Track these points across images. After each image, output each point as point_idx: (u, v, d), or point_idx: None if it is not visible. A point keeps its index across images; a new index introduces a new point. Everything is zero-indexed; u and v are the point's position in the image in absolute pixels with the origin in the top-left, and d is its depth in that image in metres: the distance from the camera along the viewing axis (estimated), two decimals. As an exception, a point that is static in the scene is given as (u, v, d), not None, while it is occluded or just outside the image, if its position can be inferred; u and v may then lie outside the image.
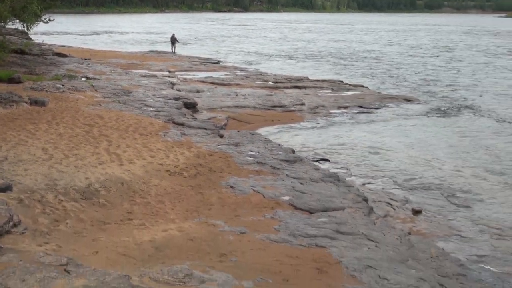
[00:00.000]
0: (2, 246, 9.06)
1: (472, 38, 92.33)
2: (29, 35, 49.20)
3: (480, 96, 33.80)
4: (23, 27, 37.54)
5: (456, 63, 52.85)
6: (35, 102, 21.26)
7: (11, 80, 25.64)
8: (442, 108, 29.64)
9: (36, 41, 49.72)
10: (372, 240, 11.60)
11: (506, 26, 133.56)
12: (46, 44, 51.62)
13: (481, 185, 17.08)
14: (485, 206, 15.29)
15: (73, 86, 26.43)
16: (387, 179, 17.55)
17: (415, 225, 13.67)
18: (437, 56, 59.59)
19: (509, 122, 26.25)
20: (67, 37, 76.22)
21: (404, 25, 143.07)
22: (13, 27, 41.80)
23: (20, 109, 20.11)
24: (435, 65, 51.11)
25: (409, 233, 12.71)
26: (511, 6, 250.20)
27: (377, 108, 29.21)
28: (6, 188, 11.91)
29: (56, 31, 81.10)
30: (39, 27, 39.58)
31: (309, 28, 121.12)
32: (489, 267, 11.51)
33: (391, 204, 15.02)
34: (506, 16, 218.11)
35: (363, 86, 36.28)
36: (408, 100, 31.84)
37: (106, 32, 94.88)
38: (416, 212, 14.55)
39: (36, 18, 35.66)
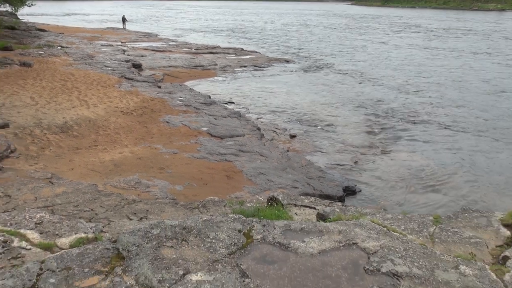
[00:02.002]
0: (3, 166, 8.90)
1: (324, 18, 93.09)
2: (17, 16, 46.16)
3: (331, 57, 34.46)
4: (12, 9, 35.82)
5: (313, 35, 53.27)
6: (23, 64, 20.70)
7: (5, 48, 24.72)
8: (310, 66, 30.00)
9: (23, 20, 47.46)
10: (263, 156, 11.85)
11: (349, 11, 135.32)
12: (30, 22, 48.80)
13: (334, 116, 17.62)
14: (337, 130, 15.83)
15: (51, 53, 25.39)
16: (273, 115, 17.79)
17: (291, 145, 14.01)
18: (301, 31, 59.88)
19: (348, 75, 27.00)
20: (46, 17, 71.52)
21: (280, 10, 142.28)
22: (4, 9, 39.47)
23: (12, 69, 19.49)
24: (300, 37, 51.40)
25: (287, 151, 13.06)
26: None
27: (266, 67, 29.24)
28: (4, 126, 11.90)
29: (37, 12, 75.73)
30: (25, 9, 37.78)
31: (216, 12, 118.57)
32: (339, 171, 12.04)
33: (275, 131, 15.31)
34: (352, 4, 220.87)
35: (257, 52, 36.13)
36: (287, 61, 32.05)
37: (74, 13, 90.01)
38: (292, 136, 14.90)
39: (22, 2, 34.09)
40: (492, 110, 19.09)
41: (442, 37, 51.86)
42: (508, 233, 4.77)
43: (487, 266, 4.03)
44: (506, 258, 4.22)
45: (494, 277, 3.85)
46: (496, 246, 4.53)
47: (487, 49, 40.81)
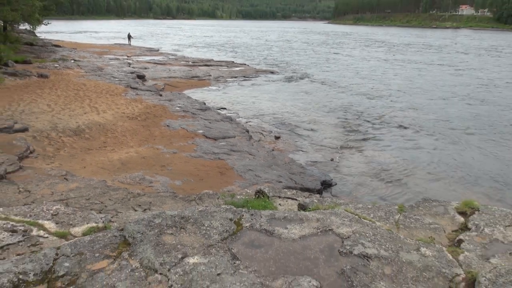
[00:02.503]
0: (23, 165, 8.81)
1: (304, 35, 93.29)
2: (35, 33, 45.68)
3: (309, 68, 34.51)
4: (31, 28, 35.58)
5: (294, 50, 53.34)
6: (41, 76, 20.63)
7: (24, 62, 24.81)
8: (291, 77, 30.01)
9: (40, 37, 46.97)
10: (251, 154, 11.84)
11: (325, 29, 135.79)
12: (47, 39, 48.35)
13: (313, 119, 17.64)
14: (315, 131, 15.85)
15: (66, 65, 25.20)
16: (260, 119, 17.76)
17: (276, 145, 13.99)
18: (283, 46, 59.94)
19: (323, 83, 27.07)
20: (60, 34, 70.77)
21: (265, 27, 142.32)
22: (24, 28, 39.10)
23: (31, 80, 19.36)
24: (282, 51, 51.43)
25: (273, 150, 13.06)
26: (330, 16, 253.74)
27: (254, 77, 29.19)
28: (24, 129, 11.88)
29: (53, 30, 74.92)
30: (42, 28, 37.69)
31: (209, 29, 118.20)
32: (317, 167, 12.06)
33: (262, 133, 15.28)
34: (328, 23, 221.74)
35: (245, 64, 36.06)
36: (272, 72, 32.04)
37: (85, 31, 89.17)
38: (277, 137, 14.89)
39: (39, 22, 33.75)
40: (443, 112, 19.39)
41: (403, 51, 52.36)
42: (462, 219, 4.81)
43: (444, 248, 4.07)
44: (460, 241, 4.26)
45: (450, 257, 3.89)
46: (452, 231, 4.57)
47: (440, 61, 41.30)
